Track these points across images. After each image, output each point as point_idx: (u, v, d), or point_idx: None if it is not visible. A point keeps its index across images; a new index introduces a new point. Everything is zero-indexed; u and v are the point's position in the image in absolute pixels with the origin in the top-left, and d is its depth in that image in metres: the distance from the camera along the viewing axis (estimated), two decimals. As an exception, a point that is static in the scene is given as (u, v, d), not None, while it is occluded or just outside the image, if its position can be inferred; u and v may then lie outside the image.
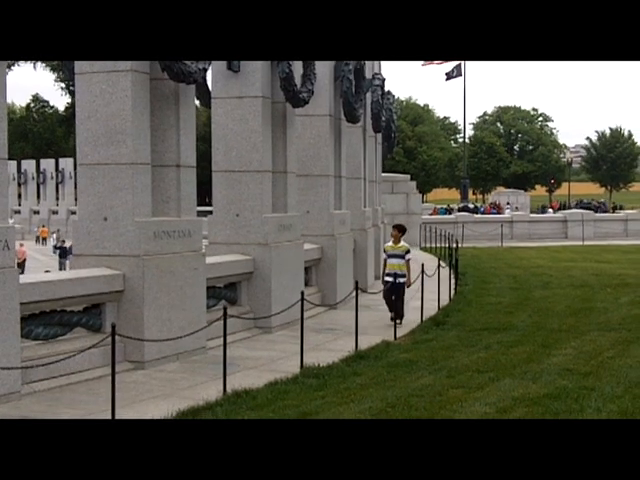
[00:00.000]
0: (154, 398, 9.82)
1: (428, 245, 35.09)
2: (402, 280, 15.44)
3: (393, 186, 39.73)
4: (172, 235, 11.89)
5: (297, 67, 15.38)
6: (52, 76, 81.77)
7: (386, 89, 24.26)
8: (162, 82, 11.88)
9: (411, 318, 16.02)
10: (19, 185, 61.86)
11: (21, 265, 31.08)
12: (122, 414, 8.53)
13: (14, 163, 61.22)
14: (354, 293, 13.64)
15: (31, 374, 9.77)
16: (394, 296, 15.23)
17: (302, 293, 12.10)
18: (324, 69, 17.48)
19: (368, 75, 21.38)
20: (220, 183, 14.90)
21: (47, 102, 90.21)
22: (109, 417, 8.27)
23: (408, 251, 15.73)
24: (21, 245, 32.35)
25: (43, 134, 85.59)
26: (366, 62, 21.48)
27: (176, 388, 10.36)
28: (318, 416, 8.72)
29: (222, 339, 10.23)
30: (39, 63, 79.88)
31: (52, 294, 10.45)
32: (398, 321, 14.95)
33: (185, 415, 8.81)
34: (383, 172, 35.96)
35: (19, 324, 9.62)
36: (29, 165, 61.62)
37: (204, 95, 15.41)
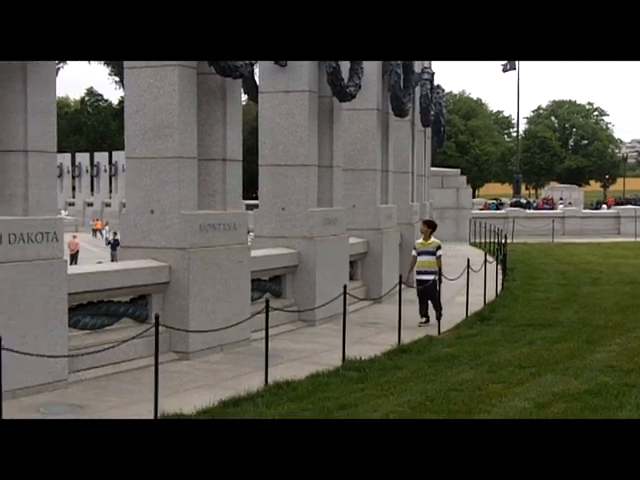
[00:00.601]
0: (197, 388, 9.99)
1: (478, 240, 34.90)
2: (433, 277, 14.86)
3: (443, 180, 39.58)
4: (217, 228, 12.06)
5: (345, 62, 15.45)
6: (106, 70, 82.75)
7: (436, 83, 24.21)
8: (209, 76, 12.04)
9: (456, 313, 16.03)
10: (73, 178, 62.73)
11: (74, 257, 31.61)
12: (165, 403, 8.70)
13: (69, 156, 62.18)
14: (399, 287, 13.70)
15: (78, 363, 10.00)
16: (428, 297, 15.00)
17: (345, 287, 12.18)
18: (372, 64, 17.53)
19: (417, 69, 21.36)
20: (266, 177, 15.04)
21: (101, 95, 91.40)
22: (152, 406, 8.43)
23: (439, 247, 15.24)
24: (74, 237, 32.84)
25: (97, 127, 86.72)
26: (414, 56, 21.48)
27: (219, 378, 10.52)
28: (357, 408, 8.82)
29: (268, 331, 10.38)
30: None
31: (99, 285, 10.68)
32: (438, 315, 14.85)
33: (227, 405, 8.97)
34: (433, 166, 35.87)
35: (67, 314, 9.86)
36: (83, 158, 62.44)
37: (252, 89, 15.56)
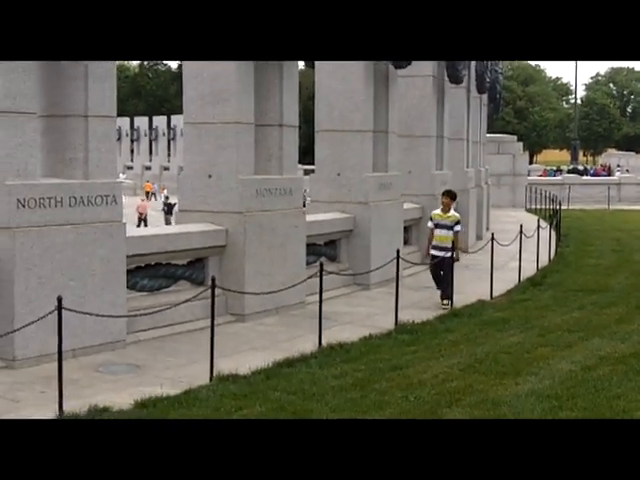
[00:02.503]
0: (252, 349, 10.20)
1: (534, 207, 34.67)
2: (448, 254, 13.31)
3: (499, 147, 39.25)
4: (274, 193, 12.21)
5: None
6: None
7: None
8: (266, 42, 12.11)
9: (509, 278, 16.02)
10: (132, 141, 63.43)
11: (144, 219, 32.08)
12: (221, 364, 8.91)
13: (127, 120, 62.84)
14: (454, 252, 13.72)
15: (136, 324, 10.27)
16: (442, 272, 13.56)
17: (398, 251, 12.29)
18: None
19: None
20: (322, 142, 15.15)
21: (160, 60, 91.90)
22: (208, 367, 8.65)
23: (458, 222, 13.69)
24: (142, 200, 33.38)
25: (156, 91, 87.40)
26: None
27: (274, 340, 10.72)
28: (408, 370, 8.98)
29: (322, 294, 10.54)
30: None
31: (158, 248, 10.92)
32: (445, 302, 13.28)
33: (280, 366, 9.15)
34: (490, 133, 35.57)
35: (125, 276, 10.11)
36: (142, 122, 63.07)
37: (308, 55, 15.61)
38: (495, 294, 14.44)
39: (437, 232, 13.58)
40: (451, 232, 13.51)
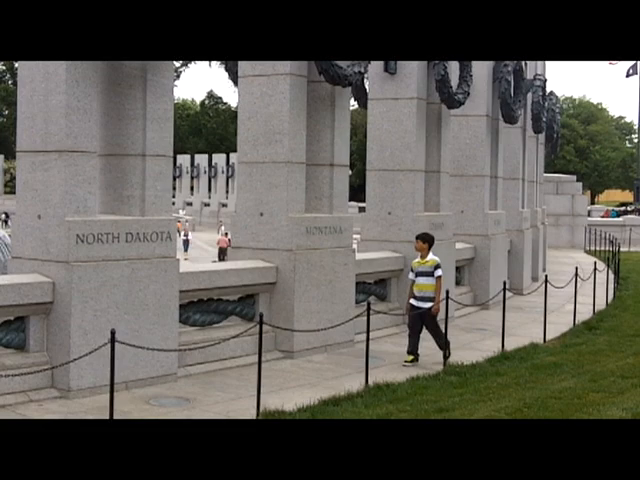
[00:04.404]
0: (300, 386, 10.32)
1: (593, 248, 34.31)
2: (429, 304, 11.92)
3: (558, 187, 38.98)
4: (323, 231, 12.41)
5: (454, 69, 15.61)
6: (225, 73, 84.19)
7: (549, 89, 24.01)
8: (319, 84, 12.40)
9: (563, 321, 15.93)
10: (192, 178, 64.38)
11: (223, 253, 32.12)
12: (268, 399, 9.04)
13: (188, 157, 63.88)
14: (508, 294, 13.72)
15: (187, 357, 10.50)
16: (425, 326, 12.07)
17: (447, 292, 12.33)
18: (482, 71, 17.63)
19: (529, 76, 21.30)
20: (373, 181, 15.33)
21: (220, 99, 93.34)
22: (255, 402, 8.80)
23: (438, 266, 12.05)
24: (222, 235, 33.73)
25: (216, 130, 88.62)
26: (527, 63, 21.40)
27: (321, 378, 10.83)
28: (454, 412, 8.97)
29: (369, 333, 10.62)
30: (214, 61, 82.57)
31: (210, 283, 11.16)
32: (410, 358, 11.85)
33: (326, 404, 9.24)
34: (550, 171, 35.38)
35: (178, 310, 10.37)
36: (202, 159, 64.02)
37: (361, 96, 15.88)
38: (549, 337, 14.32)
39: (418, 281, 12.05)
40: (431, 279, 12.00)
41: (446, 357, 11.86)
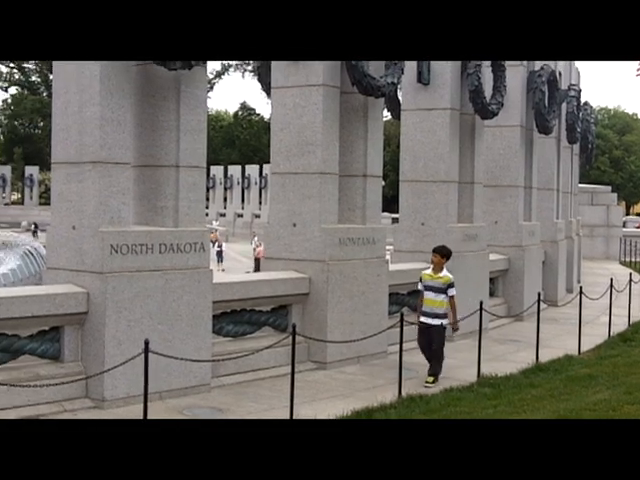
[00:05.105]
0: (332, 397, 10.30)
1: (627, 259, 34.00)
2: (439, 322, 11.42)
3: (592, 197, 38.65)
4: (356, 242, 12.39)
5: (487, 79, 15.56)
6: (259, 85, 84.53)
7: (584, 100, 23.85)
8: (352, 95, 12.40)
9: (598, 333, 15.77)
10: (225, 189, 64.61)
11: (259, 260, 32.23)
12: (300, 410, 9.04)
13: (221, 168, 64.15)
14: (542, 305, 13.61)
15: (220, 368, 10.51)
16: (430, 343, 11.50)
17: (481, 303, 12.25)
18: (516, 81, 17.54)
19: (563, 86, 21.17)
20: (406, 192, 15.30)
21: (254, 110, 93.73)
22: (288, 413, 8.80)
23: (451, 285, 11.54)
24: (258, 246, 33.82)
25: (249, 141, 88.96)
26: (562, 73, 21.28)
27: (354, 389, 10.80)
28: (487, 424, 8.92)
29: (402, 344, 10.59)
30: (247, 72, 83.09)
31: (243, 294, 11.18)
32: (430, 380, 11.22)
33: (359, 415, 9.23)
34: (584, 182, 35.10)
35: (211, 321, 10.39)
36: (235, 170, 64.25)
37: (395, 107, 15.87)
38: (583, 349, 14.19)
39: (427, 295, 11.55)
40: (441, 296, 11.49)
41: (429, 385, 11.11)
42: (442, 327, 11.45)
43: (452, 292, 11.56)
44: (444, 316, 11.51)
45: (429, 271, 11.78)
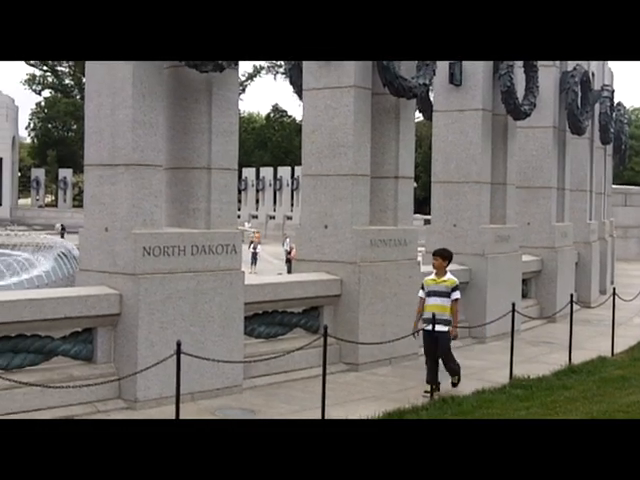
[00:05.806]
0: (364, 399, 10.29)
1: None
2: (444, 328, 10.79)
3: (626, 198, 38.26)
4: (388, 243, 12.37)
5: (519, 80, 15.47)
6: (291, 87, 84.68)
7: (617, 100, 23.66)
8: (383, 97, 12.39)
9: (632, 334, 15.66)
10: (257, 191, 64.77)
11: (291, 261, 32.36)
12: (332, 412, 9.04)
13: (253, 170, 64.32)
14: (575, 307, 13.52)
15: (252, 369, 10.53)
16: (437, 354, 10.86)
17: (513, 304, 12.19)
18: (548, 82, 17.44)
19: (596, 86, 21.00)
20: (438, 193, 15.25)
21: (285, 112, 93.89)
22: (319, 414, 8.81)
23: (456, 287, 11.02)
24: (292, 247, 33.92)
25: (281, 143, 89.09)
26: (595, 74, 21.11)
27: (386, 391, 10.79)
28: (520, 426, 8.87)
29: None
30: (279, 74, 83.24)
31: (274, 296, 11.20)
32: (455, 380, 11.07)
33: (391, 416, 9.22)
34: (620, 183, 34.77)
35: (243, 322, 10.42)
36: (267, 172, 64.38)
37: (427, 108, 15.82)
38: (617, 350, 14.09)
39: (430, 301, 10.95)
40: (447, 300, 10.92)
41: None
42: (445, 332, 10.84)
43: (456, 295, 10.99)
44: (447, 322, 10.85)
45: (432, 276, 11.21)
